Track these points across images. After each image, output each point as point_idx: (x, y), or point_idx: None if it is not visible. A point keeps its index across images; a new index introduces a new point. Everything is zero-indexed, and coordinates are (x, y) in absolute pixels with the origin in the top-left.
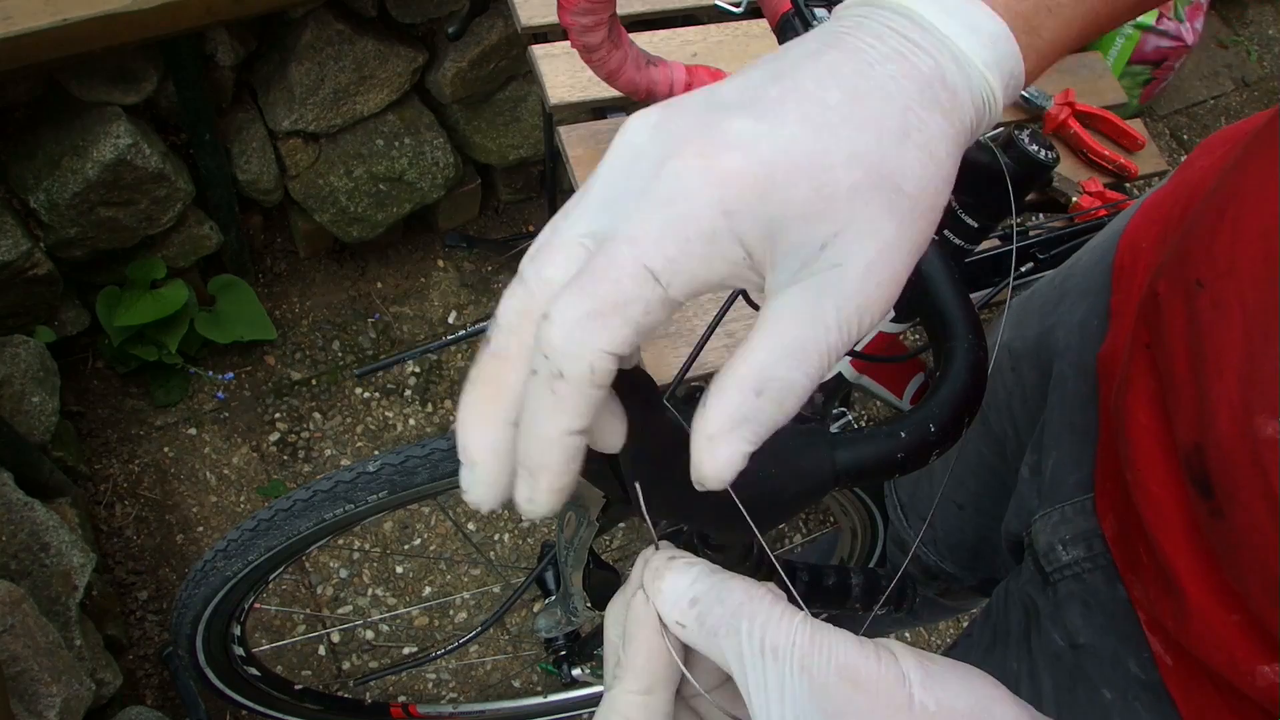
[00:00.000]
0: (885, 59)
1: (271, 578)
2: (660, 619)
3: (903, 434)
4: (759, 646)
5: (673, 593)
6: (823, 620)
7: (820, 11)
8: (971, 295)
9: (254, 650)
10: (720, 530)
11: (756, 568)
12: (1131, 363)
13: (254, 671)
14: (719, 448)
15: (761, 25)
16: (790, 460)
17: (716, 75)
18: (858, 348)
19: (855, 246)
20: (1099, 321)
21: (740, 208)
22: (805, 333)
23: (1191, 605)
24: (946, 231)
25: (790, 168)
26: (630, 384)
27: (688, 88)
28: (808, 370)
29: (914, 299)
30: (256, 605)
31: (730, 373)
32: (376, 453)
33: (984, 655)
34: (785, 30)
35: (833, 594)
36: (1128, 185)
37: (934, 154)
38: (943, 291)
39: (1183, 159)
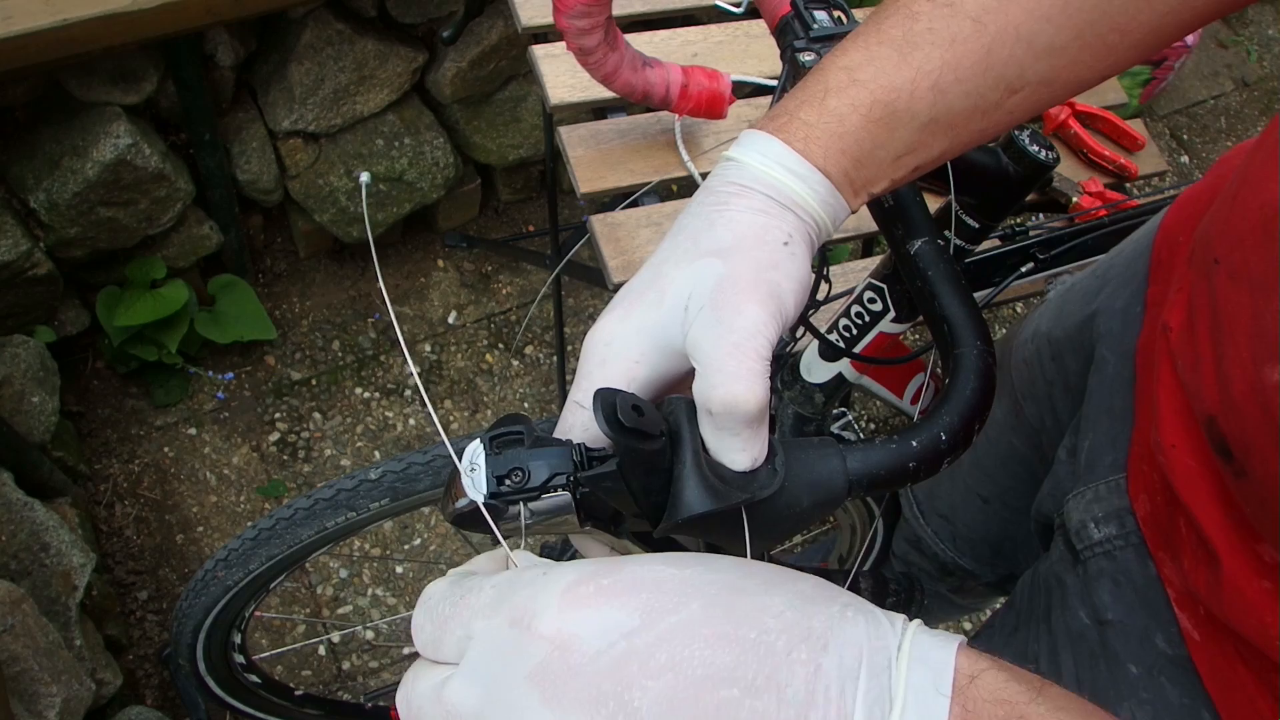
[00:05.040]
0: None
1: (273, 585)
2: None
3: (915, 443)
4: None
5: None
6: None
7: (820, 14)
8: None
9: (255, 657)
10: (731, 543)
11: None
12: (1159, 344)
13: (254, 678)
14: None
15: (761, 25)
16: (804, 473)
17: (713, 76)
18: (858, 349)
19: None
20: (1142, 309)
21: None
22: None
23: (1226, 573)
24: (947, 232)
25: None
26: (634, 425)
27: (684, 89)
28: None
29: (920, 304)
30: (258, 613)
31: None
32: (378, 458)
33: (1006, 640)
34: (784, 33)
35: None
36: (1128, 185)
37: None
38: (949, 298)
39: (1183, 159)
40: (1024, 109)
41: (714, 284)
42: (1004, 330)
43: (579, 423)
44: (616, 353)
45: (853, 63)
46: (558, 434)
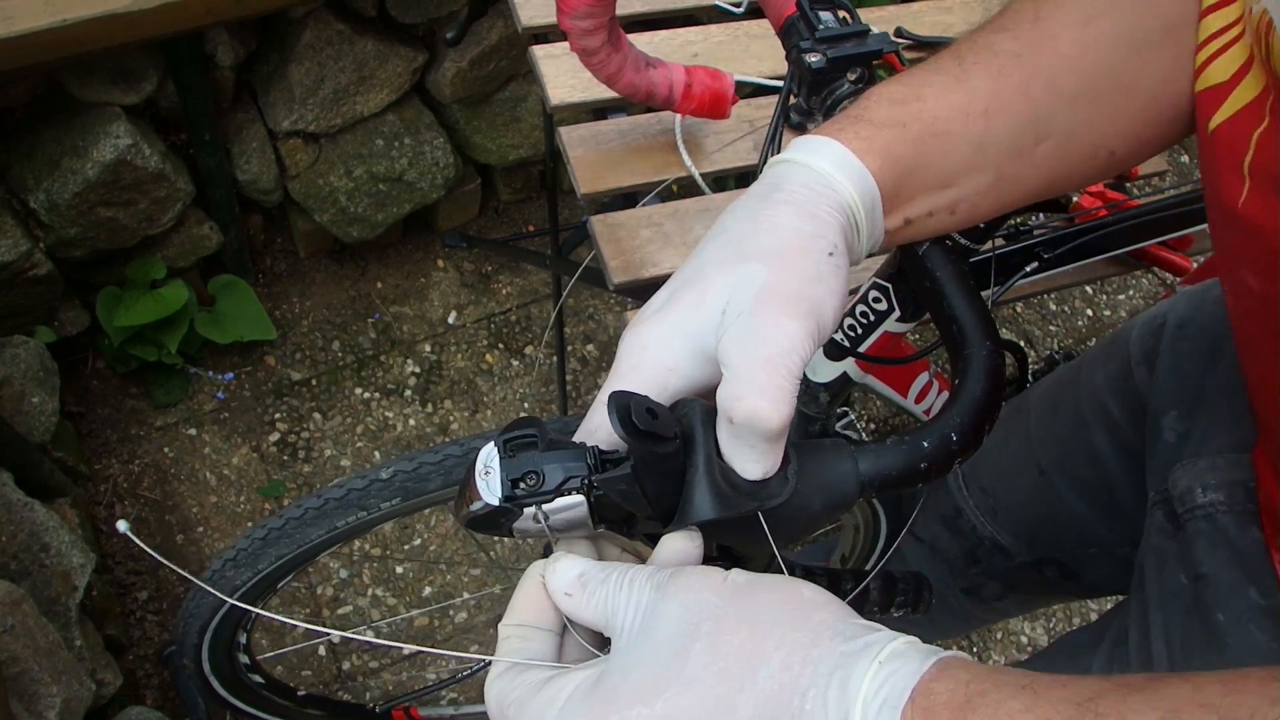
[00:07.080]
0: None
1: (280, 585)
2: (548, 589)
3: (925, 444)
4: (623, 582)
5: (564, 570)
6: None
7: (825, 15)
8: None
9: (258, 657)
10: (744, 544)
11: None
12: None
13: (258, 679)
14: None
15: (762, 25)
16: (816, 476)
17: (716, 76)
18: (863, 348)
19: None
20: None
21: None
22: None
23: None
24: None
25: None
26: (648, 428)
27: (687, 89)
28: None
29: (928, 304)
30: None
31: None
32: (378, 458)
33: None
34: (789, 34)
35: (848, 598)
36: (1128, 185)
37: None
38: (957, 298)
39: (1183, 159)
40: (1049, 163)
41: (755, 292)
42: (1004, 331)
43: (604, 424)
44: (651, 358)
45: (914, 81)
46: (581, 435)
